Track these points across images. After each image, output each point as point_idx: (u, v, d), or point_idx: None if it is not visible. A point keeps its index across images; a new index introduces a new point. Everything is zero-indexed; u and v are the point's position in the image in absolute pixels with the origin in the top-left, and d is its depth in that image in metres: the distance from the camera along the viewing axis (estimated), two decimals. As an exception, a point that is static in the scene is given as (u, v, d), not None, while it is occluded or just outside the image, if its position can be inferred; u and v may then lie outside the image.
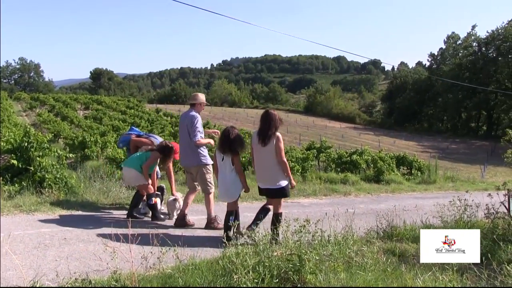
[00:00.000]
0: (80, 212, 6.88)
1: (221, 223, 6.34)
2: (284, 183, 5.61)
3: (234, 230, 5.20)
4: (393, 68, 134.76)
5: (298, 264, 3.73)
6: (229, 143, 5.65)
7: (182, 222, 6.45)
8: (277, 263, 3.77)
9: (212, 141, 7.06)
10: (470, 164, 36.35)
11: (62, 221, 6.21)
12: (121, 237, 4.16)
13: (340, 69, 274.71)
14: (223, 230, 5.84)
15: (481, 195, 6.58)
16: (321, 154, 18.84)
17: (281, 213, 5.67)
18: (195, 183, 6.63)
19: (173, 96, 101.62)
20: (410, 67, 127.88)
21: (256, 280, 3.55)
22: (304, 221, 4.46)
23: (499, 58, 72.73)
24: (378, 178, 15.02)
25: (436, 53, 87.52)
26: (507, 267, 3.68)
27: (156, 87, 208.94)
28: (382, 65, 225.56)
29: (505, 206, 6.18)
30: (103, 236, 5.44)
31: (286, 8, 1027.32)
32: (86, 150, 14.42)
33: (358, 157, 17.17)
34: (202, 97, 6.65)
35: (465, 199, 6.61)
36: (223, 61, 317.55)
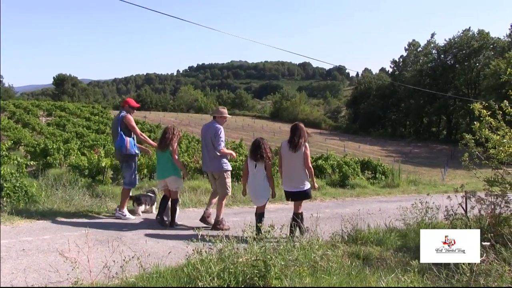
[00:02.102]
0: (40, 222, 6.65)
1: (226, 225, 6.98)
2: (307, 186, 6.48)
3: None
4: (357, 74, 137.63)
5: (263, 270, 3.72)
6: (262, 153, 6.43)
7: (216, 225, 6.94)
8: (243, 269, 3.75)
9: (234, 153, 7.59)
10: (432, 168, 37.39)
11: (21, 232, 5.99)
12: (83, 247, 4.05)
13: (305, 75, 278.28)
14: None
15: (441, 197, 6.79)
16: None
17: (301, 212, 6.52)
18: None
19: (138, 102, 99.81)
20: (374, 73, 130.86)
21: (221, 287, 3.52)
22: (269, 227, 4.47)
23: (457, 66, 75.94)
24: (343, 183, 15.19)
25: (398, 60, 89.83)
26: (463, 265, 3.80)
27: (121, 93, 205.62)
28: (346, 71, 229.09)
29: (462, 208, 6.40)
30: (64, 246, 5.20)
31: (252, 15, 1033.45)
32: (48, 157, 14.00)
33: (323, 162, 17.33)
34: (224, 110, 7.32)
35: (426, 202, 6.81)
36: (189, 67, 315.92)
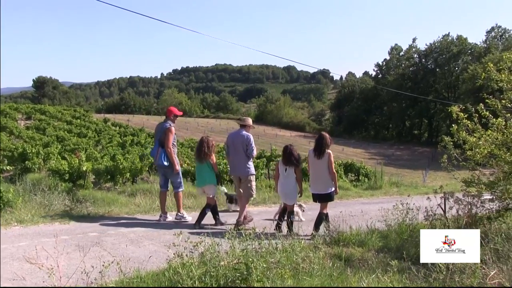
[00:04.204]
0: (17, 228, 6.52)
1: (249, 217, 7.66)
2: (331, 189, 7.06)
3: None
4: (341, 77, 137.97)
5: (245, 273, 3.72)
6: (292, 158, 7.20)
7: (238, 225, 7.35)
8: (224, 272, 3.75)
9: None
10: (413, 170, 37.85)
11: (-4, 238, 5.85)
12: (61, 253, 3.99)
13: (290, 78, 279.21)
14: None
15: (421, 198, 6.87)
16: (271, 163, 18.96)
17: (327, 213, 7.15)
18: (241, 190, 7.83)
19: (122, 106, 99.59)
20: (358, 76, 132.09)
21: (203, 290, 3.52)
22: (251, 229, 4.48)
23: (437, 70, 77.21)
24: (326, 185, 15.24)
25: (381, 64, 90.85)
26: (440, 264, 3.86)
27: (104, 96, 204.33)
28: (330, 74, 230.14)
29: (441, 208, 6.50)
30: (41, 252, 4.95)
31: (236, 18, 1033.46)
32: (27, 162, 13.77)
33: (307, 164, 17.34)
34: (250, 120, 8.15)
35: (407, 203, 6.88)
36: (173, 70, 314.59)
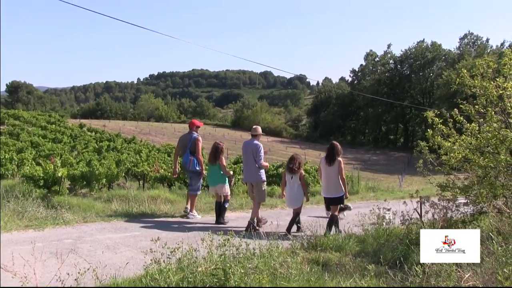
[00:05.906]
0: (-11, 236, 6.34)
1: (258, 227, 7.83)
2: (341, 193, 7.66)
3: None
4: (317, 83, 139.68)
5: (223, 278, 3.71)
6: (298, 166, 7.89)
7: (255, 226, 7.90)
8: (202, 278, 3.73)
9: (267, 164, 9.33)
10: (390, 174, 38.39)
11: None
12: (34, 260, 3.90)
13: (267, 84, 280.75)
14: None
15: (398, 203, 6.95)
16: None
17: (337, 215, 7.74)
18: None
19: (98, 111, 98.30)
20: (334, 82, 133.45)
21: (180, 297, 3.48)
22: (228, 235, 4.46)
23: (412, 75, 78.70)
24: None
25: (357, 69, 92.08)
26: (416, 268, 3.90)
27: (80, 101, 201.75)
28: (307, 80, 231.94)
29: (417, 212, 6.60)
30: (15, 260, 4.72)
31: (213, 24, 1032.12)
32: (0, 168, 13.48)
33: (284, 170, 17.40)
34: (260, 130, 8.67)
35: (384, 208, 6.95)
36: (150, 75, 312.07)
